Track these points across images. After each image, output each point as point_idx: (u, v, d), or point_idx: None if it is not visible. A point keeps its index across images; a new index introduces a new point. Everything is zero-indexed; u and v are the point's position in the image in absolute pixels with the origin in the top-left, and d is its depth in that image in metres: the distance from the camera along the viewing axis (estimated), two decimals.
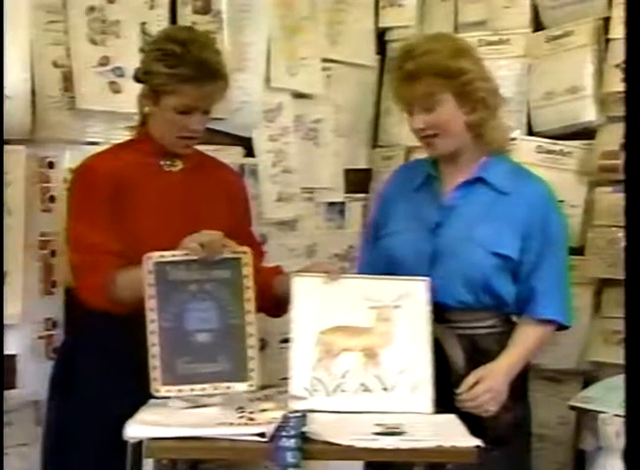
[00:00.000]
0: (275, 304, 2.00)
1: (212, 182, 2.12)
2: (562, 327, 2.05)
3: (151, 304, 1.85)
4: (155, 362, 1.85)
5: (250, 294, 1.88)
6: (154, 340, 1.85)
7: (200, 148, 2.27)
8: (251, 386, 1.88)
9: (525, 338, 1.99)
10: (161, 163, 2.07)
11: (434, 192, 2.06)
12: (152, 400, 1.89)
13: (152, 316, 1.85)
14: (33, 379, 2.19)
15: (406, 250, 2.01)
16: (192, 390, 1.86)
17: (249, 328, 1.88)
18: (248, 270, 1.88)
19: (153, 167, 2.07)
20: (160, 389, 1.85)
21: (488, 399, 1.90)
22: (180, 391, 1.85)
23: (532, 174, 2.09)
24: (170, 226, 1.99)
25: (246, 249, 1.91)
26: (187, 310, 1.87)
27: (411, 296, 1.93)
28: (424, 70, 1.95)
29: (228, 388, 1.87)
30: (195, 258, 1.86)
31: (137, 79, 2.08)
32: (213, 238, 1.86)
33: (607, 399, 2.22)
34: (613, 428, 2.14)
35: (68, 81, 2.33)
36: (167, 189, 2.05)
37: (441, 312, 1.96)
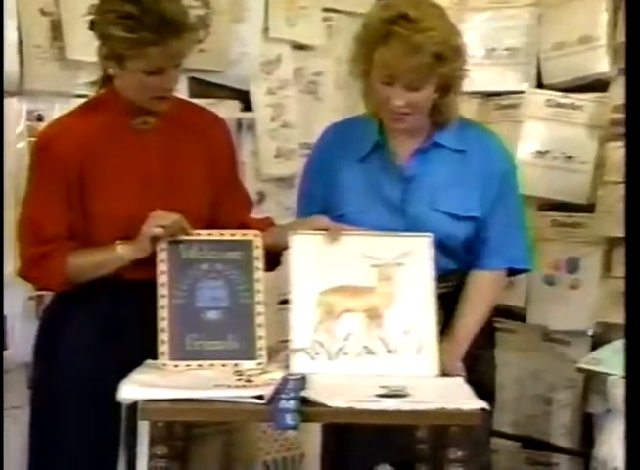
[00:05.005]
0: (267, 257, 1.95)
1: (191, 136, 2.00)
2: (519, 271, 2.08)
3: (162, 279, 1.89)
4: (163, 336, 1.86)
5: (259, 274, 1.92)
6: (163, 314, 1.87)
7: (195, 102, 2.20)
8: (260, 364, 1.88)
9: (480, 299, 1.98)
10: (133, 122, 1.95)
11: (386, 162, 1.99)
12: (147, 361, 1.86)
13: (162, 291, 1.88)
14: (24, 341, 2.15)
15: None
16: (199, 366, 1.86)
17: (258, 307, 1.90)
18: (258, 252, 1.93)
19: (124, 129, 1.95)
20: (168, 363, 1.86)
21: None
22: (188, 366, 1.86)
23: (480, 128, 2.11)
24: (148, 191, 1.93)
25: (257, 232, 1.94)
26: (198, 288, 1.90)
27: (414, 253, 1.89)
28: (429, 47, 1.84)
29: (236, 365, 1.87)
30: (207, 238, 1.91)
31: (92, 30, 1.93)
32: (175, 220, 1.88)
33: (616, 361, 2.19)
34: (622, 390, 2.11)
35: (56, 30, 2.29)
36: (142, 151, 1.95)
37: None
